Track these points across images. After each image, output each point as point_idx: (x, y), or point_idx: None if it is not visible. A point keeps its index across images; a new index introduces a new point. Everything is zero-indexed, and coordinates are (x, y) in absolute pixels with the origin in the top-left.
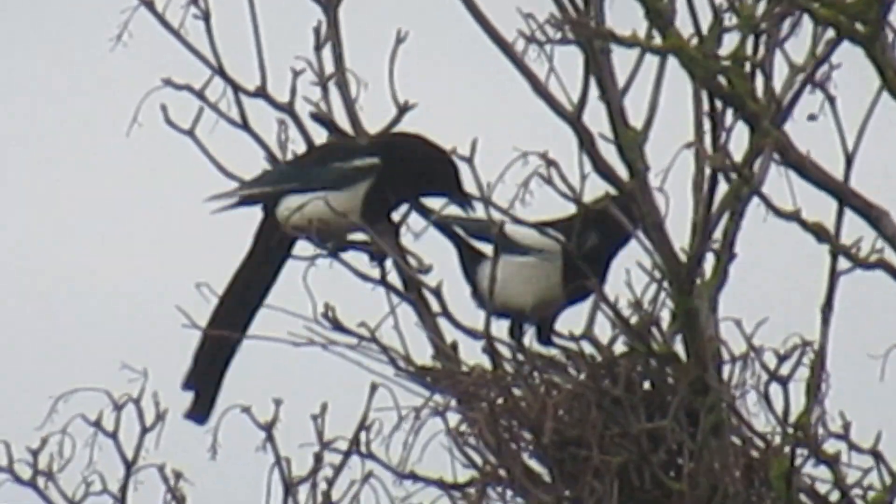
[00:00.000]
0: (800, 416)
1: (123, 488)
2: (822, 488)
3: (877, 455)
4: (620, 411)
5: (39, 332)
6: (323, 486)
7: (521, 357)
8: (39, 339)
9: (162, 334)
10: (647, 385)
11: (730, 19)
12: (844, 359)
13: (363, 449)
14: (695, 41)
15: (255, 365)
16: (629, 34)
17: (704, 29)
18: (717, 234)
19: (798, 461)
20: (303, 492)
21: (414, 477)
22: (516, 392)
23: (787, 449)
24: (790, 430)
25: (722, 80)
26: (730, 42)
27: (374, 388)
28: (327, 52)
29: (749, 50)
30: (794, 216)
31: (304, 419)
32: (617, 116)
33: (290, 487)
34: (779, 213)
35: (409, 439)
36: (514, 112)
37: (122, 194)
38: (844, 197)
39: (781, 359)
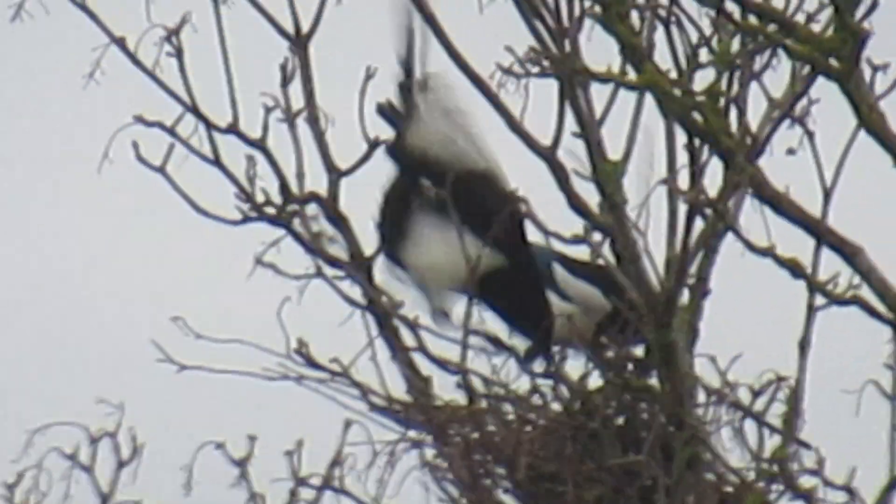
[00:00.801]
0: (776, 450)
1: None
2: None
3: (850, 491)
4: (596, 446)
5: (14, 365)
6: None
7: (496, 392)
8: (14, 374)
9: (138, 368)
10: (621, 420)
11: (706, 55)
12: (818, 394)
13: (337, 484)
14: (671, 76)
15: (229, 400)
16: (605, 70)
17: (680, 65)
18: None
19: (773, 497)
20: None
21: None
22: (490, 427)
23: (761, 484)
24: (765, 465)
25: (697, 115)
26: (705, 77)
27: (347, 424)
28: (298, 88)
29: (726, 85)
30: (769, 252)
31: (279, 455)
32: (595, 149)
33: None
34: (753, 248)
35: (384, 474)
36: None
37: (93, 230)
38: (819, 233)
39: (756, 394)
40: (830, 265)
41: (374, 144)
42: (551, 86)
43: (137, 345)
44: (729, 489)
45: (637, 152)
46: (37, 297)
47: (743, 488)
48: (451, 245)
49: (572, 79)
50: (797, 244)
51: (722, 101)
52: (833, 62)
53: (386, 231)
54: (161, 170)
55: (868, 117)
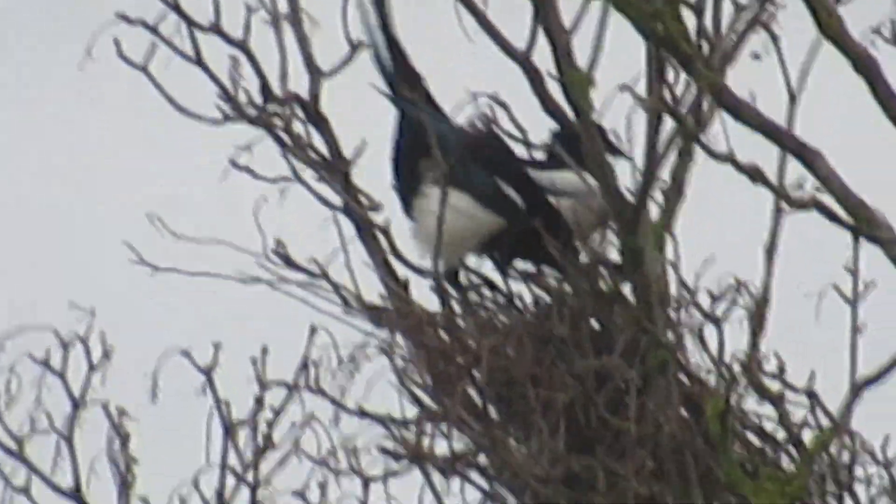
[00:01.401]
0: (746, 354)
1: (70, 426)
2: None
3: (812, 395)
4: (567, 349)
5: None
6: (264, 428)
7: (468, 296)
8: None
9: (110, 271)
10: (594, 324)
11: None
12: (780, 299)
13: (308, 385)
14: None
15: (203, 304)
16: None
17: None
18: (665, 175)
19: (735, 401)
20: (243, 434)
21: (361, 413)
22: (463, 330)
23: (722, 389)
24: (725, 371)
25: (657, 23)
26: None
27: (313, 329)
28: None
29: None
30: (729, 158)
31: (247, 359)
32: (563, 56)
33: (230, 430)
34: (714, 155)
35: (355, 376)
36: (465, 53)
37: (73, 129)
38: (778, 138)
39: (715, 299)
40: (790, 171)
41: (356, 47)
42: None
43: (111, 246)
44: (694, 392)
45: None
46: (9, 198)
47: (705, 392)
48: (460, 208)
49: None
50: (769, 149)
51: (682, 8)
52: None
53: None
54: (143, 68)
55: (826, 22)
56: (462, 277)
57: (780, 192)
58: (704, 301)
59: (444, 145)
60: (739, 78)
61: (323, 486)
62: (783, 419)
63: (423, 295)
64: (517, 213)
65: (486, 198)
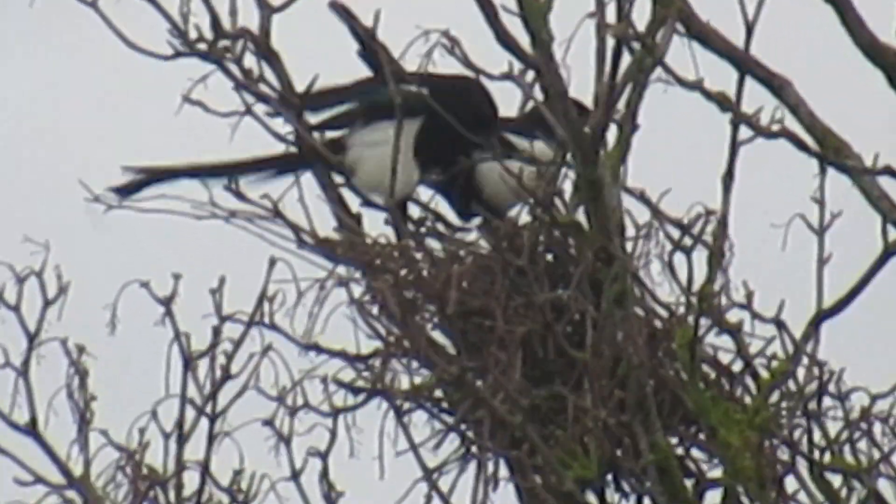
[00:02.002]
0: (703, 286)
1: (26, 362)
2: (725, 358)
3: (779, 324)
4: (524, 281)
5: None
6: (222, 360)
7: (423, 228)
8: None
9: (65, 206)
10: (550, 256)
11: None
12: (747, 228)
13: (266, 320)
14: None
15: (157, 240)
16: None
17: None
18: (621, 105)
19: (701, 331)
20: (203, 366)
21: (318, 348)
22: (420, 263)
23: (690, 318)
24: (693, 300)
25: None
26: None
27: (272, 262)
28: None
29: None
30: (697, 86)
31: (206, 295)
32: None
33: (189, 362)
34: (682, 82)
35: (312, 310)
36: None
37: (23, 67)
38: (747, 66)
39: (684, 228)
40: (758, 100)
41: None
42: None
43: (65, 182)
44: (658, 324)
45: None
46: None
47: (672, 323)
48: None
49: None
50: (723, 80)
51: None
52: None
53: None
54: (93, 4)
55: None
56: (415, 211)
57: (747, 120)
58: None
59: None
60: (700, 7)
61: (292, 415)
62: (741, 351)
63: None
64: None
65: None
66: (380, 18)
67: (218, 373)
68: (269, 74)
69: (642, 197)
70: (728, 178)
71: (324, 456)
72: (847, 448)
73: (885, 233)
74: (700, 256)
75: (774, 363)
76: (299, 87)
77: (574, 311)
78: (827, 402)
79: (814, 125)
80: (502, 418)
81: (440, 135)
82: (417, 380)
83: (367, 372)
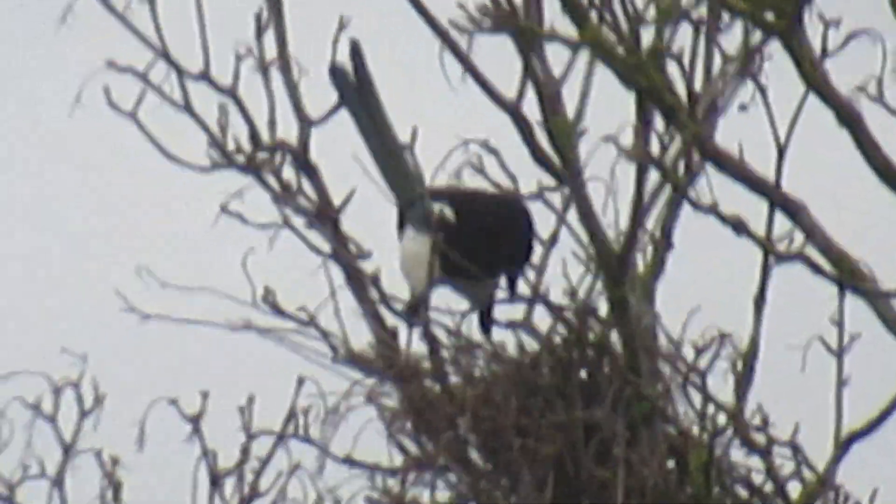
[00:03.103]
0: (733, 406)
1: (61, 472)
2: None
3: (795, 447)
4: (554, 400)
5: None
6: (250, 477)
7: (457, 344)
8: None
9: (101, 318)
10: (583, 374)
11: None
12: (764, 349)
13: (300, 432)
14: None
15: (192, 352)
16: (548, 28)
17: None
18: (652, 225)
19: (720, 452)
20: (230, 484)
21: (350, 462)
22: (451, 379)
23: (706, 440)
24: (708, 423)
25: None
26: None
27: (300, 381)
28: (270, 37)
29: (692, 43)
30: (712, 209)
31: (234, 407)
32: (548, 105)
33: (216, 479)
34: (696, 206)
35: (333, 427)
36: (457, 102)
37: (63, 176)
38: (762, 190)
39: (699, 351)
40: (786, 224)
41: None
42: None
43: (102, 294)
44: (680, 444)
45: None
46: (0, 245)
47: (689, 444)
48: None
49: (523, 35)
50: (752, 204)
51: (667, 59)
52: (772, 17)
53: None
54: (132, 115)
55: (810, 74)
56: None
57: (764, 244)
58: (689, 353)
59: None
60: (728, 129)
61: None
62: (770, 471)
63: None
64: (449, 229)
65: (420, 220)
66: (417, 134)
67: (246, 491)
68: (307, 186)
69: (655, 319)
70: (760, 299)
71: None
72: None
73: None
74: (717, 379)
75: (793, 485)
76: (337, 199)
77: (605, 431)
78: None
79: (829, 249)
80: None
81: (465, 249)
82: (442, 497)
83: (391, 488)
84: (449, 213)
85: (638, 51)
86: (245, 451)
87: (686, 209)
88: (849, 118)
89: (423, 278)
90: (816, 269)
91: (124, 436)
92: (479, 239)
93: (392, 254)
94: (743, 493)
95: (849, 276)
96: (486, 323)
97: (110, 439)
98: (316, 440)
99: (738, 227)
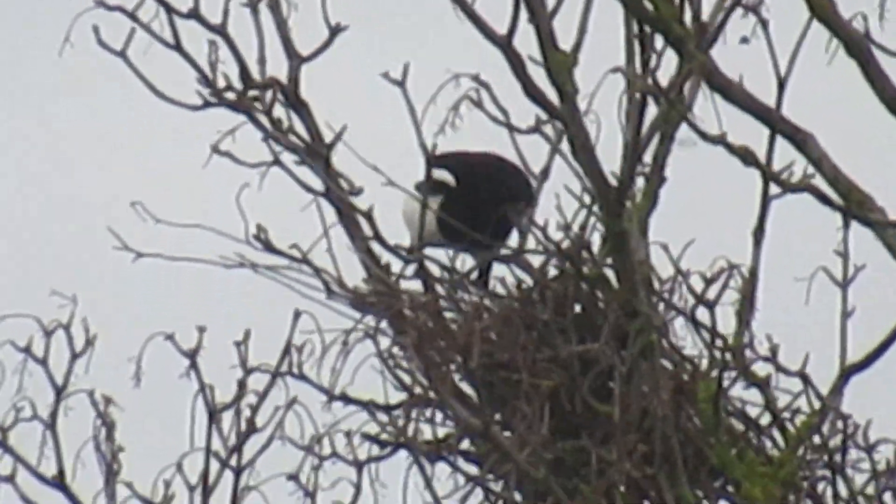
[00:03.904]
0: (733, 339)
1: (53, 414)
2: (753, 411)
3: (804, 377)
4: (550, 334)
5: None
6: (247, 412)
7: (453, 279)
8: None
9: (93, 256)
10: (577, 308)
11: None
12: (770, 281)
13: (294, 370)
14: None
15: (185, 289)
16: None
17: None
18: (648, 157)
19: (725, 384)
20: (227, 419)
21: (345, 399)
22: (447, 315)
23: (714, 372)
24: (717, 354)
25: (648, 3)
26: None
27: (297, 314)
28: None
29: None
30: (721, 140)
31: (230, 343)
32: (546, 39)
33: (214, 414)
34: (706, 137)
35: (337, 362)
36: (447, 37)
37: (52, 115)
38: (770, 121)
39: (708, 282)
40: (786, 155)
41: (335, 31)
42: None
43: (93, 232)
44: (684, 377)
45: (594, 42)
46: None
47: (696, 376)
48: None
49: None
50: (754, 134)
51: None
52: None
53: None
54: (122, 54)
55: (817, 4)
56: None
57: (771, 175)
58: (697, 284)
59: None
60: (728, 62)
61: (316, 469)
62: (769, 404)
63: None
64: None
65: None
66: (408, 70)
67: (243, 425)
68: (298, 124)
69: (665, 250)
70: (759, 232)
71: None
72: (874, 501)
73: None
74: (724, 310)
75: (801, 417)
76: (328, 136)
77: (602, 365)
78: (854, 454)
79: (838, 179)
80: (527, 472)
81: (462, 213)
82: (442, 432)
83: (391, 425)
84: (449, 177)
85: None
86: (242, 386)
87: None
88: (857, 48)
89: (415, 237)
90: (824, 199)
91: (119, 375)
92: (479, 205)
93: (382, 190)
94: (740, 426)
95: (858, 207)
96: (486, 280)
97: (104, 380)
98: (311, 378)
99: (747, 157)
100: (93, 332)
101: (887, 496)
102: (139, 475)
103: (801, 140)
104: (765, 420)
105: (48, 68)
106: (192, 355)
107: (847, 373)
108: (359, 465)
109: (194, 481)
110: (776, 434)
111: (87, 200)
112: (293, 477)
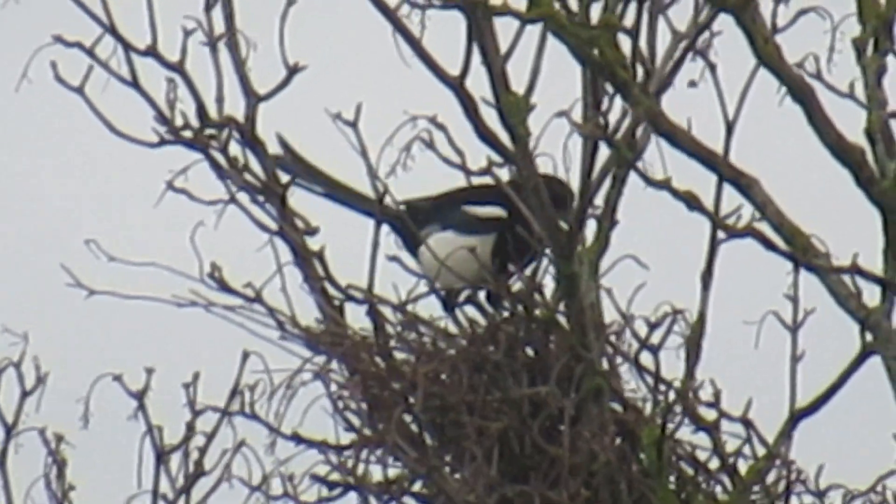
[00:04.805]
0: (681, 383)
1: (4, 452)
2: (702, 455)
3: (747, 423)
4: (502, 376)
5: None
6: (195, 454)
7: (401, 319)
8: None
9: (44, 296)
10: (529, 351)
11: None
12: (718, 324)
13: (246, 409)
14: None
15: (137, 328)
16: (500, 2)
17: None
18: (600, 200)
19: (672, 428)
20: (175, 459)
21: (297, 438)
22: (397, 356)
23: (658, 417)
24: (661, 399)
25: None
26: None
27: (245, 355)
28: (218, 13)
29: (635, 18)
30: (666, 185)
31: (179, 384)
32: (498, 81)
33: (161, 456)
34: (650, 181)
35: (281, 405)
36: (403, 77)
37: (9, 150)
38: (716, 166)
39: (652, 327)
40: (736, 199)
41: (292, 70)
42: (459, 18)
43: (47, 269)
44: (630, 421)
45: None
46: None
47: (640, 420)
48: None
49: (472, 10)
50: (705, 178)
51: (619, 34)
52: None
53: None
54: (79, 90)
55: (763, 49)
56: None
57: (715, 219)
58: (641, 329)
59: None
60: (676, 106)
61: None
62: (717, 448)
63: (358, 320)
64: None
65: (465, 225)
66: (361, 110)
67: (191, 467)
68: (254, 162)
69: (608, 295)
70: (707, 275)
71: None
72: None
73: (863, 332)
74: (667, 355)
75: (742, 463)
76: (283, 176)
77: (552, 407)
78: (807, 499)
79: (782, 224)
80: None
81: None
82: (392, 472)
83: (341, 466)
84: (501, 211)
85: (590, 25)
86: (190, 428)
87: (630, 185)
88: (801, 93)
89: (470, 275)
90: (768, 244)
91: (70, 413)
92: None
93: (338, 229)
94: (689, 470)
95: (802, 253)
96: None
97: (54, 417)
98: (262, 417)
99: (692, 201)
100: (44, 369)
101: None
102: None
103: (745, 185)
104: (714, 464)
105: (4, 103)
106: (139, 396)
107: (796, 416)
108: None
109: None
110: (725, 479)
111: (41, 237)
112: None
